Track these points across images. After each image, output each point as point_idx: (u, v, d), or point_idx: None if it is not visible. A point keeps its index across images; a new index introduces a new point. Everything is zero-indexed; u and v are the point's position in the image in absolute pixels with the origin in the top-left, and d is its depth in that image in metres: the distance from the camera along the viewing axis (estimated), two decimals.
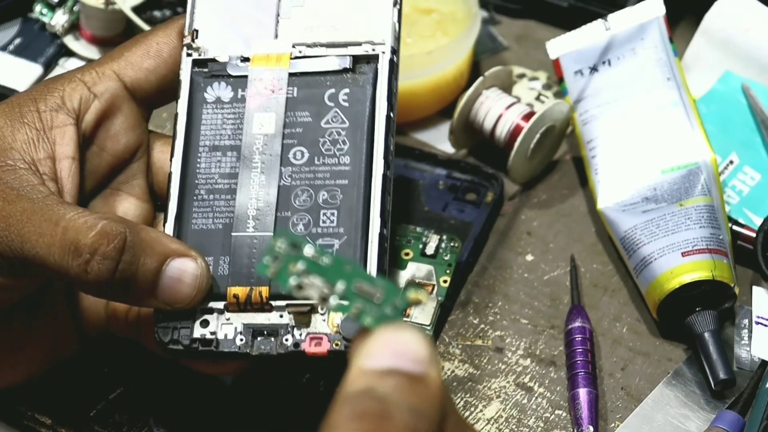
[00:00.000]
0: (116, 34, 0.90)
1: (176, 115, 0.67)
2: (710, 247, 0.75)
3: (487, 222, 0.81)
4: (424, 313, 0.74)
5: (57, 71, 0.90)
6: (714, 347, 0.73)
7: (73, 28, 0.91)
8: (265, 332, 0.63)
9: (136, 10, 0.88)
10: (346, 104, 0.66)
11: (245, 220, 0.64)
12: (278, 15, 0.68)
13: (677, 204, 0.77)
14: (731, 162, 0.82)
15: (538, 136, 0.82)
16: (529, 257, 0.80)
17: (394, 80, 0.66)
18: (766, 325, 0.74)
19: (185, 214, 0.65)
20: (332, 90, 0.66)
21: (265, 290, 0.63)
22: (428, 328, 0.73)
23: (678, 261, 0.74)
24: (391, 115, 0.65)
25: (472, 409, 0.72)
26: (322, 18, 0.67)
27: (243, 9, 0.68)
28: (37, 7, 0.91)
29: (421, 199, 0.82)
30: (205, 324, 0.63)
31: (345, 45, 0.67)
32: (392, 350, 0.48)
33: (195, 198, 0.65)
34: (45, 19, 0.90)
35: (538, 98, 0.88)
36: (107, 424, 0.71)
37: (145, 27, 0.86)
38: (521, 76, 0.90)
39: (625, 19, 0.84)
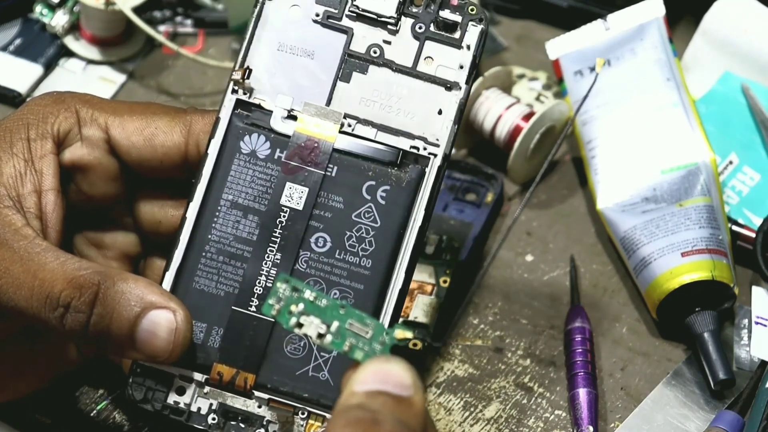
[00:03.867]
0: (116, 35, 0.90)
1: (205, 154, 0.64)
2: (710, 248, 0.75)
3: (487, 222, 0.81)
4: (424, 314, 0.74)
5: (57, 72, 0.90)
6: (713, 347, 0.73)
7: (74, 28, 0.91)
8: (240, 418, 0.62)
9: (137, 10, 0.88)
10: (383, 202, 0.63)
11: (249, 297, 0.63)
12: (338, 76, 0.64)
13: (677, 204, 0.77)
14: (731, 162, 0.82)
15: (537, 136, 0.82)
16: (529, 257, 0.80)
17: (438, 189, 0.63)
18: (765, 326, 0.74)
19: (188, 268, 0.63)
20: (372, 182, 0.63)
21: (251, 378, 0.62)
22: (428, 328, 0.73)
23: (677, 261, 0.74)
24: (425, 227, 0.63)
25: (472, 409, 0.72)
26: (381, 94, 0.64)
27: (304, 59, 0.64)
28: (38, 8, 0.91)
29: None
30: (181, 391, 0.62)
31: (397, 133, 0.63)
32: (380, 377, 0.52)
33: (203, 255, 0.63)
34: (45, 20, 0.90)
35: (537, 98, 0.88)
36: (107, 424, 0.71)
37: (146, 27, 0.86)
38: (521, 76, 0.90)
39: (624, 20, 0.84)
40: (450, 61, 0.64)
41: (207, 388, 0.62)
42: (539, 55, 0.89)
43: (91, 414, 0.72)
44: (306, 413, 0.62)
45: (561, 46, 0.84)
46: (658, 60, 0.82)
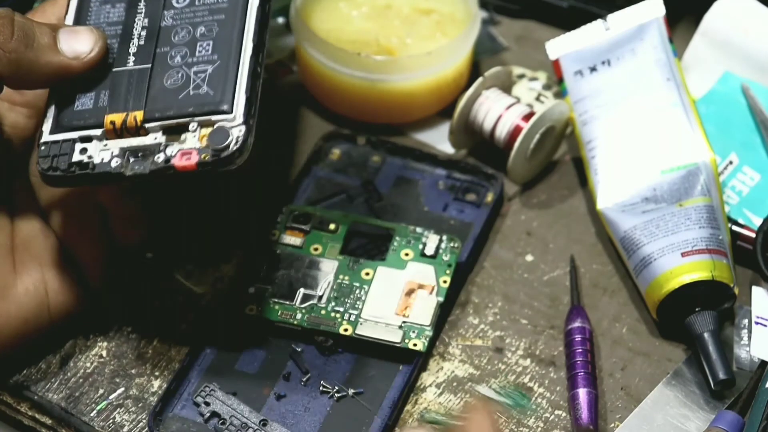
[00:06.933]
0: None
1: None
2: (710, 248, 0.75)
3: (487, 222, 0.81)
4: (424, 313, 0.74)
5: None
6: (713, 347, 0.73)
7: None
8: (140, 154, 0.65)
9: None
10: None
11: (125, 56, 0.68)
12: None
13: (677, 204, 0.77)
14: (731, 162, 0.82)
15: (537, 136, 0.82)
16: (529, 257, 0.80)
17: None
18: (765, 326, 0.74)
19: None
20: None
21: (139, 114, 0.66)
22: (428, 328, 0.73)
23: (677, 261, 0.74)
24: None
25: None
26: None
27: None
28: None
29: (421, 200, 0.82)
30: (83, 152, 0.66)
31: None
32: None
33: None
34: None
35: (537, 99, 0.88)
36: (107, 424, 0.71)
37: None
38: (521, 76, 0.90)
39: (624, 20, 0.84)
40: None
41: (105, 142, 0.66)
42: (539, 55, 0.89)
43: (91, 414, 0.72)
44: (196, 124, 0.65)
45: (561, 46, 0.84)
46: (658, 60, 0.82)
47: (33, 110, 0.71)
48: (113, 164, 0.65)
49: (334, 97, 0.87)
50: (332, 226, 0.78)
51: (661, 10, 0.84)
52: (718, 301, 0.75)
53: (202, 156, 0.64)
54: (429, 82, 0.85)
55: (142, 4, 0.70)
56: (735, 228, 0.79)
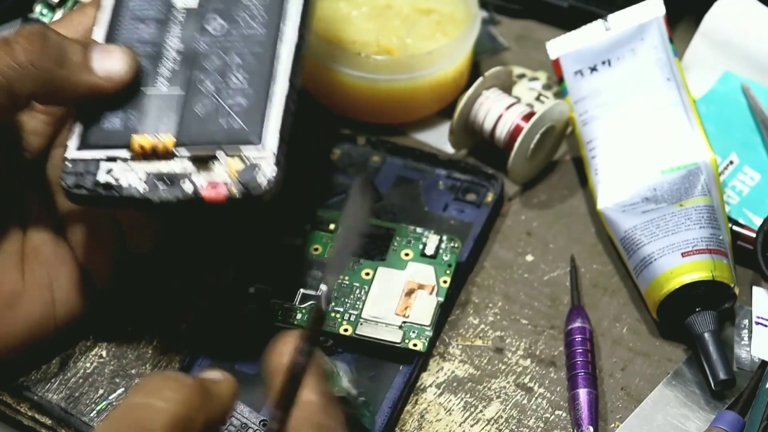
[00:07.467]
0: None
1: None
2: (710, 248, 0.75)
3: (487, 222, 0.81)
4: (424, 314, 0.74)
5: None
6: (714, 347, 0.73)
7: None
8: (167, 180, 0.65)
9: None
10: None
11: (156, 78, 0.67)
12: None
13: (677, 204, 0.77)
14: (731, 162, 0.82)
15: (538, 136, 0.82)
16: (529, 257, 0.80)
17: None
18: (766, 326, 0.74)
19: None
20: None
21: (169, 139, 0.65)
22: (428, 328, 0.73)
23: (678, 261, 0.74)
24: None
25: (472, 409, 0.72)
26: None
27: None
28: (38, 8, 0.91)
29: (421, 200, 0.82)
30: (108, 172, 0.65)
31: None
32: None
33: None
34: (45, 20, 0.90)
35: (538, 98, 0.88)
36: None
37: None
38: (521, 76, 0.90)
39: (624, 20, 0.84)
40: None
41: (132, 163, 0.65)
42: (539, 55, 0.89)
43: (91, 414, 0.72)
44: (225, 155, 0.65)
45: (561, 46, 0.84)
46: (659, 60, 0.82)
47: (53, 117, 0.70)
48: (140, 189, 0.64)
49: (334, 97, 0.86)
50: (332, 226, 0.78)
51: (661, 10, 0.84)
52: (718, 301, 0.75)
53: (232, 191, 0.64)
54: (429, 82, 0.85)
55: (175, 26, 0.69)
56: (735, 228, 0.79)
